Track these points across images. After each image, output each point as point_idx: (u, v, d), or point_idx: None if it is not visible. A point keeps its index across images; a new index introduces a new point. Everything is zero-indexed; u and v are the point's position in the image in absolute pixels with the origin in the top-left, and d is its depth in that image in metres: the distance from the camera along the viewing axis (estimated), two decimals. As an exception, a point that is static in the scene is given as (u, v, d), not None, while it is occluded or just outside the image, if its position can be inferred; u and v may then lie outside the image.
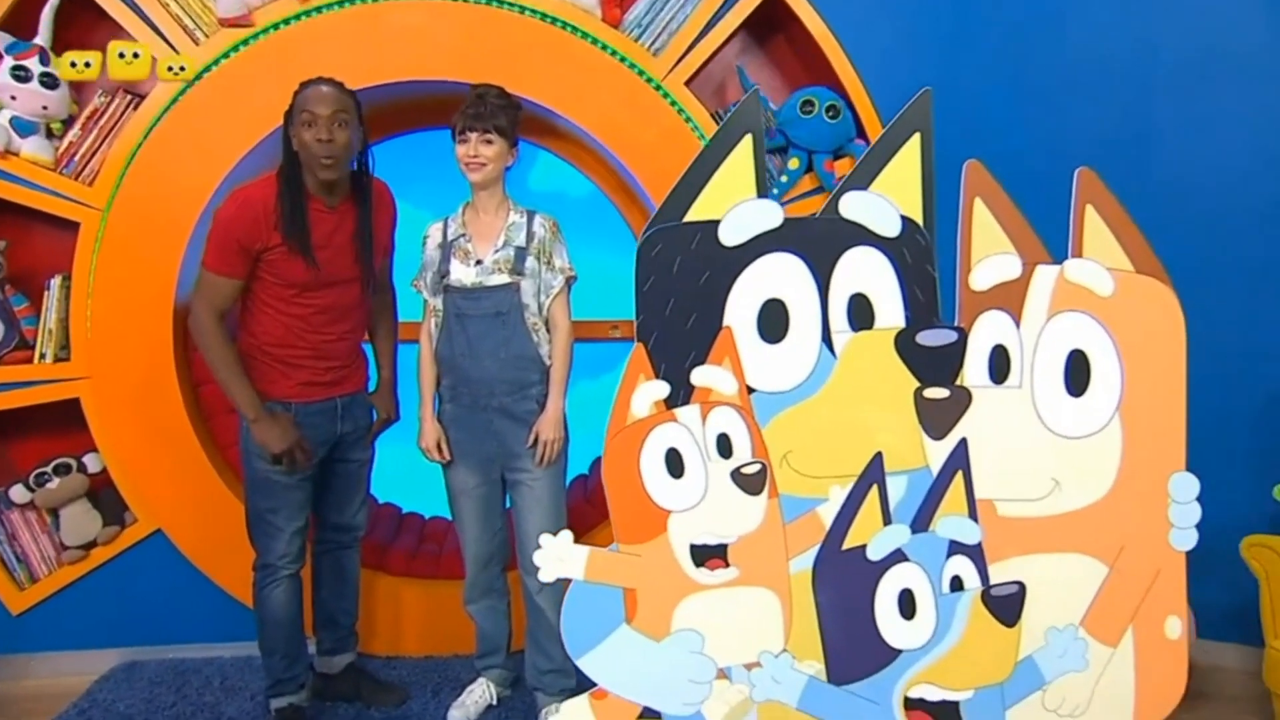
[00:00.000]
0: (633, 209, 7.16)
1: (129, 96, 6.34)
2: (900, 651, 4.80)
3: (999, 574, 4.83)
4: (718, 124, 5.84)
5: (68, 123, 6.26)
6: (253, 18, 6.18)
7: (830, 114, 6.54)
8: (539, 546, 4.72)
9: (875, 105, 6.66)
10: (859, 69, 6.58)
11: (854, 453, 4.77)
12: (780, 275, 4.74)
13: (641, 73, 6.41)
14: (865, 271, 4.78)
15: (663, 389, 4.66)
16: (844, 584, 4.79)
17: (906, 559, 4.76)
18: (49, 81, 6.01)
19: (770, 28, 6.71)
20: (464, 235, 5.49)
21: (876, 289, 4.79)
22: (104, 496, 6.50)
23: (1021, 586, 4.81)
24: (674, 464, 4.66)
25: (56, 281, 6.24)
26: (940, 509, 4.78)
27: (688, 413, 4.68)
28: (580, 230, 5.68)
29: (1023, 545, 4.87)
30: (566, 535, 4.67)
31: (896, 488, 4.80)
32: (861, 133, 6.68)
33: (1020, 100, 6.65)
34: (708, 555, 4.71)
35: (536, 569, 4.73)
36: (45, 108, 6.04)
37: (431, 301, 5.61)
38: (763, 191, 4.69)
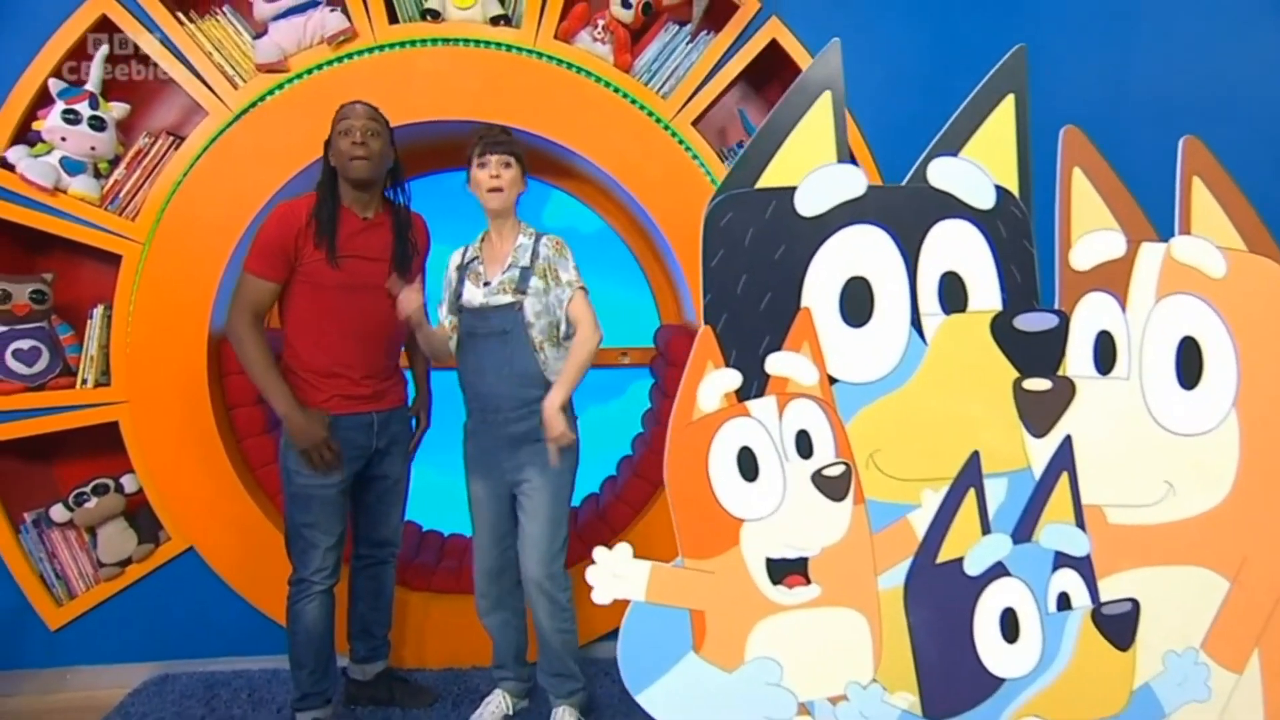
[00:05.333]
0: (641, 243, 5.72)
1: (171, 138, 4.97)
2: (1003, 680, 3.29)
3: (1110, 590, 3.31)
4: (723, 161, 5.15)
5: (114, 162, 4.87)
6: (288, 63, 4.83)
7: None
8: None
9: (868, 144, 5.11)
10: (853, 111, 4.91)
11: (948, 452, 3.25)
12: (864, 250, 3.21)
13: (651, 114, 4.97)
14: (957, 247, 3.25)
15: (734, 379, 3.15)
16: (939, 603, 3.25)
17: (1008, 573, 3.25)
18: (97, 124, 4.70)
19: (768, 76, 5.39)
20: (478, 259, 4.32)
21: (970, 267, 3.26)
22: (140, 516, 5.03)
23: (1135, 604, 3.31)
24: (747, 465, 3.14)
25: (99, 311, 4.86)
26: (1044, 516, 3.25)
27: (762, 406, 3.14)
28: (590, 264, 4.39)
29: (1135, 557, 3.34)
30: (625, 549, 3.25)
31: (996, 491, 3.26)
32: (857, 170, 4.95)
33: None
34: (786, 571, 3.18)
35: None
36: (94, 148, 4.73)
37: (445, 320, 4.39)
38: (843, 155, 3.12)
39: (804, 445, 3.09)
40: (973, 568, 3.16)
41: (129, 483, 4.91)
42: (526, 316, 4.08)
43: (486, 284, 4.15)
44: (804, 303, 3.08)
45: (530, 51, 4.87)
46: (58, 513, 4.86)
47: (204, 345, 4.76)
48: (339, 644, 4.60)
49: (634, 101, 4.93)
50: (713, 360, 3.05)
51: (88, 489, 4.84)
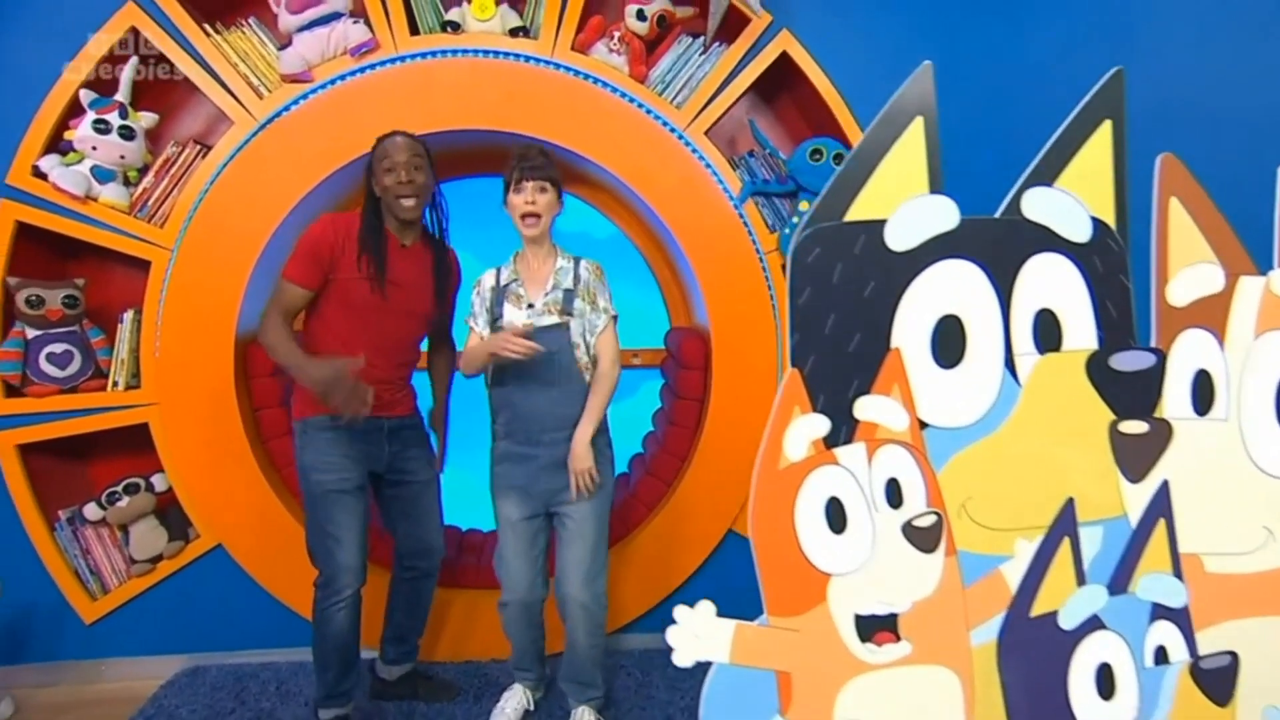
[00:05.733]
0: (652, 248, 5.20)
1: (198, 146, 4.51)
2: (1100, 740, 2.58)
3: (1208, 642, 2.73)
4: (734, 169, 4.66)
5: (143, 170, 4.44)
6: (312, 74, 4.35)
7: (837, 161, 4.45)
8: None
9: None
10: (861, 122, 4.58)
11: (1042, 499, 2.63)
12: (956, 286, 2.58)
13: (665, 123, 4.47)
14: (1052, 282, 2.63)
15: (822, 425, 2.48)
16: (1033, 658, 2.62)
17: (1104, 626, 2.64)
18: (127, 133, 4.29)
19: (776, 88, 4.86)
20: (516, 281, 3.78)
21: (1065, 303, 2.64)
22: (170, 514, 4.61)
23: (1234, 657, 2.73)
24: (835, 516, 2.49)
25: (129, 315, 4.47)
26: (1141, 565, 2.65)
27: (851, 453, 2.50)
28: (604, 267, 3.92)
29: (1234, 607, 2.76)
30: (708, 607, 2.54)
31: (1091, 540, 2.64)
32: (864, 179, 4.40)
33: (1005, 150, 4.12)
34: (875, 628, 2.54)
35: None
36: (123, 157, 4.31)
37: (480, 332, 3.80)
38: (936, 186, 2.49)
39: (894, 494, 2.52)
40: (1068, 621, 2.59)
41: (159, 482, 4.51)
42: (573, 337, 3.64)
43: (530, 306, 3.68)
44: (894, 343, 2.52)
45: (548, 62, 4.41)
46: (91, 511, 4.45)
47: (230, 349, 4.34)
48: (370, 641, 4.18)
49: (649, 111, 4.45)
50: (799, 406, 2.44)
51: (119, 488, 4.46)
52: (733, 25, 4.51)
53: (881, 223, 2.46)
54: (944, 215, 2.46)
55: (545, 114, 4.37)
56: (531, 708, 4.11)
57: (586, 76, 4.41)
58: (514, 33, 4.41)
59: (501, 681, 4.28)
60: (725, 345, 4.48)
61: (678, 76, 4.54)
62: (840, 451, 2.44)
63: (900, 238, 2.44)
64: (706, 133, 4.53)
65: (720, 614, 2.49)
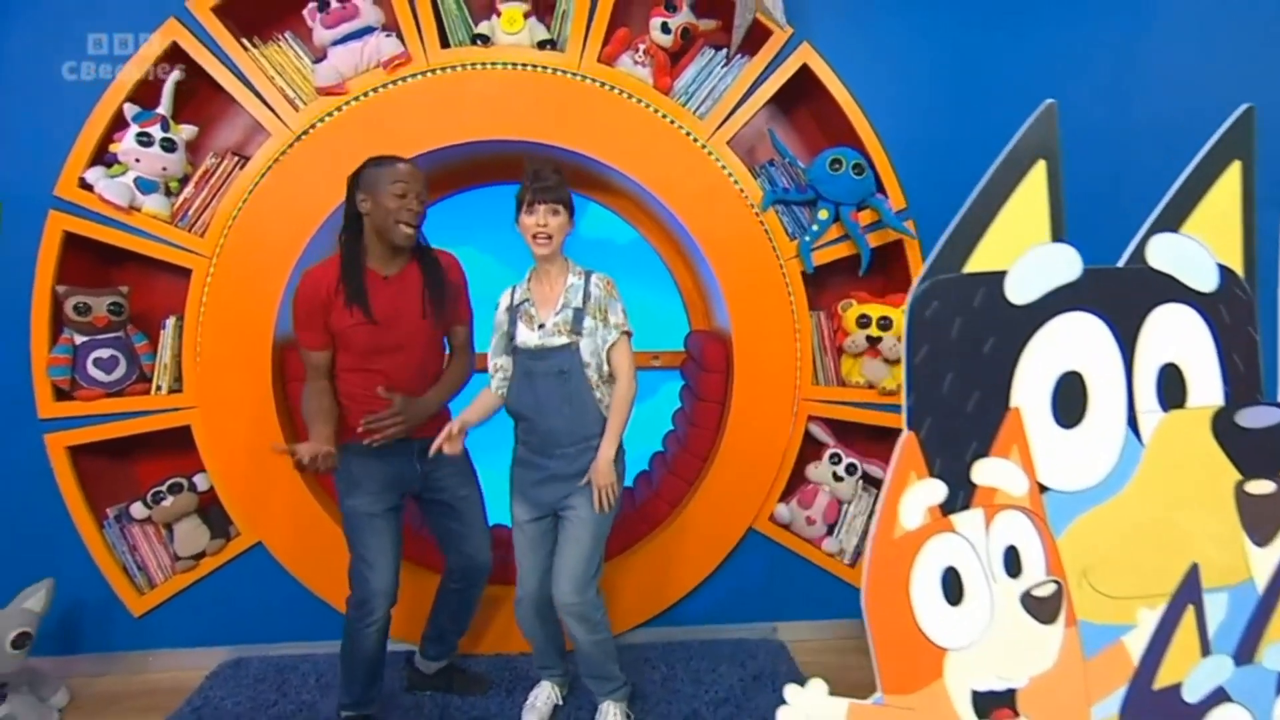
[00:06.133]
0: (672, 253, 4.68)
1: (236, 158, 4.11)
2: (1224, 822, 2.22)
3: None
4: (755, 178, 4.20)
5: (183, 181, 4.05)
6: (346, 86, 3.95)
7: (856, 171, 4.08)
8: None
9: (892, 164, 4.18)
10: (879, 132, 4.19)
11: (1165, 565, 2.14)
12: (1079, 341, 2.09)
13: (689, 133, 4.05)
14: (1176, 335, 2.16)
15: (939, 491, 2.01)
16: None
17: (1229, 699, 2.15)
18: (169, 145, 3.92)
19: (794, 98, 4.39)
20: (528, 300, 3.40)
21: (1190, 357, 2.16)
22: (212, 512, 4.26)
23: None
24: (952, 587, 2.03)
25: (171, 322, 4.09)
26: (1267, 634, 2.17)
27: (968, 520, 2.02)
28: (625, 272, 3.67)
29: None
30: (820, 686, 2.07)
31: (1216, 608, 2.16)
32: (881, 188, 4.25)
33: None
34: (993, 704, 2.06)
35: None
36: (165, 169, 3.94)
37: (495, 361, 3.48)
38: (1059, 234, 2.00)
39: (1012, 563, 2.06)
40: (1191, 694, 2.14)
41: (201, 482, 4.15)
42: (583, 356, 3.26)
43: (541, 326, 3.30)
44: (1013, 402, 2.04)
45: (575, 74, 3.97)
46: (137, 510, 4.11)
47: (268, 353, 3.98)
48: (413, 637, 3.94)
49: (672, 121, 4.01)
50: (915, 471, 1.97)
51: (164, 488, 4.09)
52: (754, 38, 4.09)
53: (1002, 274, 2.00)
54: (1066, 266, 2.00)
55: (572, 124, 3.97)
56: (560, 702, 3.76)
57: (612, 88, 3.98)
58: (542, 45, 3.98)
59: (532, 676, 3.90)
60: (746, 349, 4.09)
61: (701, 88, 4.10)
62: (957, 518, 1.99)
63: (1021, 290, 1.99)
64: (728, 142, 4.10)
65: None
